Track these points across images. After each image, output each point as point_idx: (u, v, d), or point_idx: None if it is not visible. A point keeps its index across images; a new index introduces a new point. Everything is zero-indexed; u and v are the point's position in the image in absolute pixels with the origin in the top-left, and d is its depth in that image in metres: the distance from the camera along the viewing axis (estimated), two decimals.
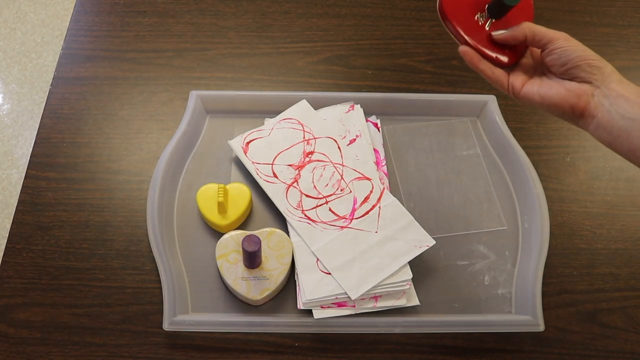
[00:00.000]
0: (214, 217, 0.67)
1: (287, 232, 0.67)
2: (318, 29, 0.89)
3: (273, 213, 0.70)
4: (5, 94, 1.70)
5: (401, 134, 0.78)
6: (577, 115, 0.53)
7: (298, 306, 0.63)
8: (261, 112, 0.77)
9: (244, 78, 0.83)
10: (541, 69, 0.57)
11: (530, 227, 0.70)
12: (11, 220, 0.70)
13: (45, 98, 0.80)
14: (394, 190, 0.73)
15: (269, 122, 0.75)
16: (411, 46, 0.88)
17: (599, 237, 0.72)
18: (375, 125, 0.77)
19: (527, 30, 0.55)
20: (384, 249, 0.65)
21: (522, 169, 0.72)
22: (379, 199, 0.69)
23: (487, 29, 0.56)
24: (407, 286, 0.64)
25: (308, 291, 0.62)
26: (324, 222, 0.67)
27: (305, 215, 0.68)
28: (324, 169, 0.71)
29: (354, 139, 0.74)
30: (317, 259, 0.65)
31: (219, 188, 0.67)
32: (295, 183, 0.70)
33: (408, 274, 0.64)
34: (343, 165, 0.71)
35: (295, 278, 0.65)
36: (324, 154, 0.72)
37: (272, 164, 0.71)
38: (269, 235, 0.65)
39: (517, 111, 0.81)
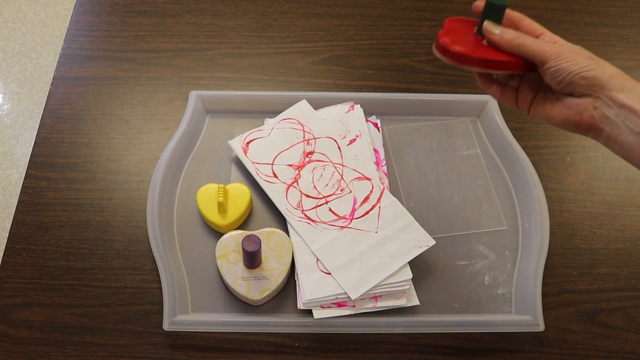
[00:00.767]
0: (214, 217, 0.67)
1: (287, 232, 0.67)
2: (318, 29, 0.89)
3: (273, 213, 0.70)
4: (5, 94, 1.70)
5: (401, 134, 0.78)
6: (584, 130, 0.50)
7: (298, 306, 0.63)
8: (261, 112, 0.77)
9: (244, 78, 0.83)
10: (545, 84, 0.54)
11: (530, 227, 0.70)
12: (11, 220, 0.70)
13: (45, 98, 0.80)
14: (394, 190, 0.73)
15: (269, 122, 0.75)
16: (411, 46, 0.88)
17: (599, 237, 0.72)
18: (375, 125, 0.77)
19: (515, 41, 0.51)
20: (384, 249, 0.65)
21: (522, 169, 0.72)
22: (379, 199, 0.69)
23: (486, 44, 0.54)
24: (407, 286, 0.64)
25: (308, 291, 0.62)
26: (324, 222, 0.67)
27: (305, 215, 0.68)
28: (324, 169, 0.71)
29: (354, 139, 0.74)
30: (317, 259, 0.65)
31: (219, 188, 0.67)
32: (295, 183, 0.70)
33: (408, 274, 0.64)
34: (343, 165, 0.71)
35: (295, 278, 0.65)
36: (324, 154, 0.72)
37: (272, 164, 0.72)
38: (269, 235, 0.65)
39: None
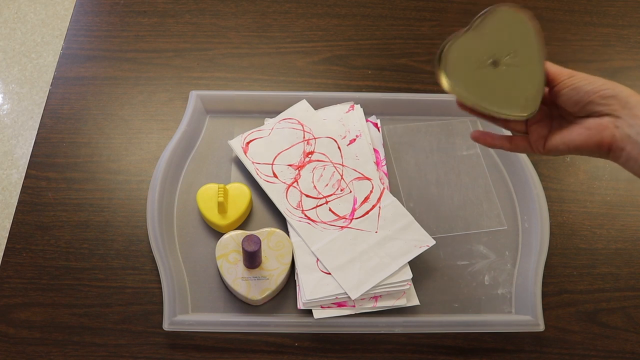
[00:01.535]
0: (214, 217, 0.67)
1: (287, 232, 0.67)
2: (318, 29, 0.89)
3: (273, 213, 0.70)
4: (5, 94, 1.70)
5: (401, 134, 0.78)
6: (605, 151, 0.49)
7: (298, 306, 0.63)
8: (261, 112, 0.77)
9: (244, 78, 0.83)
10: (557, 113, 0.53)
11: (530, 227, 0.70)
12: (11, 220, 0.70)
13: (45, 98, 0.80)
14: (394, 190, 0.73)
15: (269, 122, 0.75)
16: (411, 46, 0.88)
17: (599, 237, 0.72)
18: (375, 125, 0.77)
19: None
20: (384, 249, 0.65)
21: (522, 169, 0.72)
22: (379, 199, 0.69)
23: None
24: (407, 286, 0.64)
25: (308, 291, 0.62)
26: (324, 222, 0.67)
27: (305, 215, 0.68)
28: (324, 169, 0.71)
29: (354, 139, 0.74)
30: (317, 259, 0.65)
31: (219, 188, 0.67)
32: (295, 183, 0.70)
33: (408, 274, 0.64)
34: (343, 165, 0.71)
35: (295, 278, 0.65)
36: (324, 154, 0.72)
37: (272, 164, 0.71)
38: (269, 235, 0.65)
39: None
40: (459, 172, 0.75)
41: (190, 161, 0.74)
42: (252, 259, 0.61)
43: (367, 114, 0.77)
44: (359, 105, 0.77)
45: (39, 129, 0.77)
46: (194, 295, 0.65)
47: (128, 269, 0.67)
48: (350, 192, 0.70)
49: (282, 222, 0.69)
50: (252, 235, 0.60)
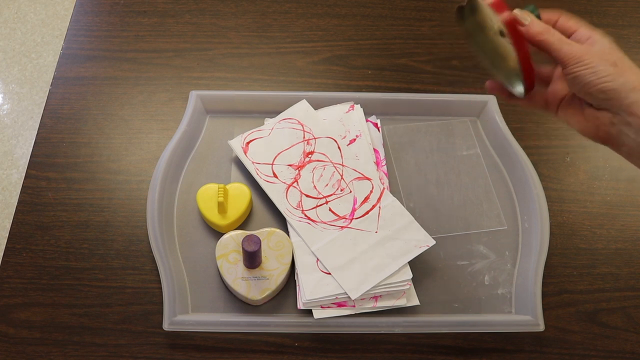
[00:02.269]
0: (214, 217, 0.67)
1: (287, 232, 0.67)
2: (318, 29, 0.89)
3: (273, 213, 0.70)
4: (5, 94, 1.70)
5: (401, 134, 0.78)
6: (602, 142, 0.47)
7: (298, 306, 0.63)
8: (261, 112, 0.77)
9: (244, 78, 0.83)
10: None
11: (530, 227, 0.70)
12: (11, 220, 0.70)
13: (45, 98, 0.80)
14: (394, 190, 0.73)
15: (269, 122, 0.75)
16: (411, 46, 0.88)
17: (599, 237, 0.72)
18: (375, 125, 0.77)
19: (540, 37, 0.47)
20: (384, 249, 0.65)
21: (522, 169, 0.72)
22: (379, 199, 0.69)
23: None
24: (407, 286, 0.64)
25: (308, 291, 0.62)
26: (324, 222, 0.67)
27: (305, 215, 0.68)
28: (324, 169, 0.71)
29: (354, 139, 0.74)
30: (317, 259, 0.65)
31: (219, 188, 0.67)
32: (295, 183, 0.70)
33: (408, 274, 0.64)
34: (343, 165, 0.71)
35: (295, 278, 0.65)
36: (324, 154, 0.72)
37: (272, 164, 0.71)
38: (269, 235, 0.65)
39: (517, 111, 0.81)
40: (459, 172, 0.75)
41: (190, 161, 0.74)
42: (252, 259, 0.61)
43: (367, 114, 0.77)
44: (359, 105, 0.77)
45: (39, 129, 0.77)
46: (194, 295, 0.65)
47: (128, 269, 0.67)
48: (350, 192, 0.70)
49: (282, 222, 0.69)
50: (252, 235, 0.60)
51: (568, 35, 0.48)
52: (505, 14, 0.47)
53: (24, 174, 0.75)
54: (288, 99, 0.76)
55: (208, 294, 0.65)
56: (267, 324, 0.63)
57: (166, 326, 0.61)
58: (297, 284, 0.64)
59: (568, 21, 0.49)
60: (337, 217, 0.68)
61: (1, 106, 1.67)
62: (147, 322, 0.64)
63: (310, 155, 0.72)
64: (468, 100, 0.79)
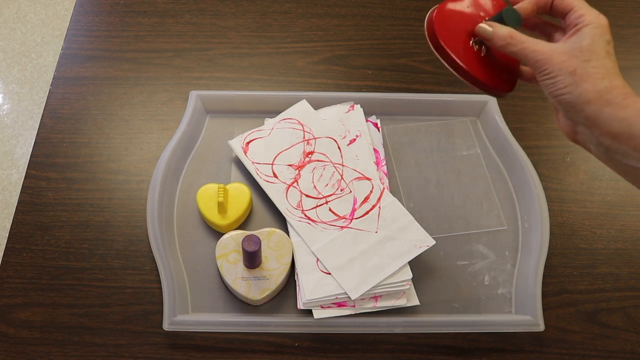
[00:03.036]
0: (214, 217, 0.67)
1: (287, 232, 0.67)
2: (318, 29, 0.89)
3: (273, 213, 0.70)
4: (5, 94, 1.70)
5: (401, 134, 0.78)
6: (580, 144, 0.47)
7: (298, 306, 0.63)
8: (261, 112, 0.77)
9: (244, 78, 0.83)
10: None
11: (530, 227, 0.70)
12: (11, 220, 0.70)
13: (45, 98, 0.80)
14: (394, 190, 0.73)
15: (269, 122, 0.75)
16: (411, 46, 0.88)
17: (599, 237, 0.72)
18: (375, 125, 0.77)
19: (504, 41, 0.46)
20: (384, 249, 0.65)
21: (522, 169, 0.72)
22: (379, 199, 0.69)
23: (483, 55, 0.50)
24: (407, 286, 0.64)
25: (308, 291, 0.62)
26: (324, 222, 0.67)
27: (305, 215, 0.68)
28: (324, 169, 0.71)
29: (354, 139, 0.74)
30: (317, 259, 0.65)
31: (219, 188, 0.67)
32: (295, 183, 0.70)
33: (408, 274, 0.64)
34: (343, 165, 0.71)
35: (295, 278, 0.65)
36: (324, 154, 0.72)
37: (272, 164, 0.72)
38: (269, 235, 0.65)
39: (517, 111, 0.81)
40: (459, 172, 0.75)
41: (190, 161, 0.74)
42: (252, 259, 0.61)
43: (367, 114, 0.77)
44: (359, 105, 0.77)
45: (39, 129, 0.77)
46: (194, 295, 0.65)
47: (128, 269, 0.67)
48: (350, 192, 0.70)
49: (282, 222, 0.69)
50: (252, 235, 0.60)
51: (563, 15, 0.47)
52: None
53: (24, 174, 0.75)
54: (288, 99, 0.76)
55: (208, 294, 0.65)
56: (267, 324, 0.63)
57: (166, 326, 0.61)
58: (297, 284, 0.64)
59: (563, 1, 0.47)
60: (337, 217, 0.68)
61: (1, 106, 1.67)
62: (147, 322, 0.64)
63: (310, 155, 0.72)
64: (468, 100, 0.79)
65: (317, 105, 0.76)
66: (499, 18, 0.49)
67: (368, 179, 0.70)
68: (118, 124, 0.78)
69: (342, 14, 0.91)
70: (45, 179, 0.73)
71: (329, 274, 0.64)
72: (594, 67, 0.42)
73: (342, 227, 0.67)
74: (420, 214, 0.71)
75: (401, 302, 0.63)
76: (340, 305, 0.63)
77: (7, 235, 0.69)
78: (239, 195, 0.69)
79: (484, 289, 0.67)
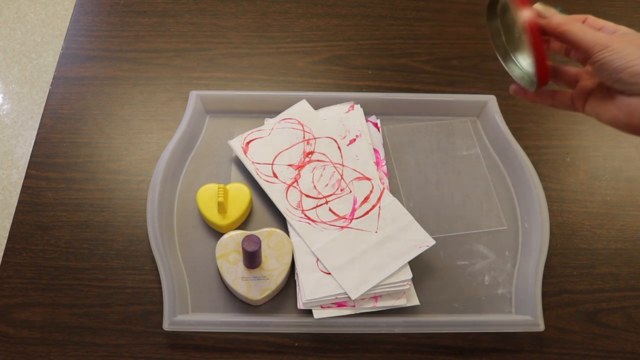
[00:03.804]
0: (214, 217, 0.67)
1: (287, 232, 0.67)
2: (318, 29, 0.89)
3: (273, 213, 0.70)
4: (5, 94, 1.70)
5: (401, 134, 0.78)
6: (637, 131, 0.45)
7: (298, 306, 0.63)
8: (261, 112, 0.77)
9: (244, 78, 0.83)
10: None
11: (530, 227, 0.70)
12: (11, 220, 0.70)
13: (45, 98, 0.80)
14: (394, 190, 0.73)
15: (269, 122, 0.75)
16: (411, 46, 0.88)
17: (599, 237, 0.72)
18: (375, 125, 0.77)
19: (561, 28, 0.46)
20: (384, 249, 0.65)
21: (522, 169, 0.72)
22: (379, 199, 0.69)
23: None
24: (407, 286, 0.64)
25: (308, 291, 0.62)
26: (324, 222, 0.67)
27: (305, 215, 0.68)
28: (324, 169, 0.71)
29: (354, 139, 0.74)
30: (317, 259, 0.65)
31: (219, 188, 0.67)
32: (295, 183, 0.70)
33: (408, 274, 0.64)
34: (343, 165, 0.71)
35: (295, 278, 0.65)
36: (324, 154, 0.72)
37: (272, 164, 0.72)
38: (269, 235, 0.65)
39: (517, 111, 0.81)
40: (459, 172, 0.75)
41: (190, 161, 0.74)
42: (252, 259, 0.61)
43: (367, 114, 0.77)
44: (359, 105, 0.77)
45: (39, 129, 0.77)
46: (194, 295, 0.65)
47: (128, 269, 0.67)
48: (350, 192, 0.70)
49: (282, 222, 0.69)
50: (252, 235, 0.60)
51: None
52: (526, 10, 0.47)
53: (24, 174, 0.75)
54: (288, 99, 0.76)
55: (208, 294, 0.65)
56: (267, 324, 0.63)
57: (166, 326, 0.61)
58: (297, 284, 0.64)
59: (595, 21, 0.48)
60: (337, 217, 0.68)
61: (1, 106, 1.67)
62: (147, 322, 0.64)
63: (310, 155, 0.72)
64: (468, 100, 0.79)
65: (317, 105, 0.76)
66: None
67: (368, 179, 0.70)
68: (118, 124, 0.78)
69: (342, 14, 0.91)
70: (45, 179, 0.73)
71: (329, 274, 0.64)
72: None
73: (342, 227, 0.67)
74: (420, 214, 0.71)
75: (401, 302, 0.63)
76: (340, 305, 0.63)
77: (7, 235, 0.69)
78: (239, 195, 0.69)
79: (484, 289, 0.67)
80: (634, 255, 0.71)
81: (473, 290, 0.67)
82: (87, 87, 0.81)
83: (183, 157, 0.74)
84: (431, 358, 0.64)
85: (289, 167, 0.71)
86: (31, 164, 0.74)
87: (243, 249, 0.60)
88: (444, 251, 0.69)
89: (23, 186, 0.72)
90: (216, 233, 0.68)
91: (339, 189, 0.70)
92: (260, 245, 0.60)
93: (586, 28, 0.46)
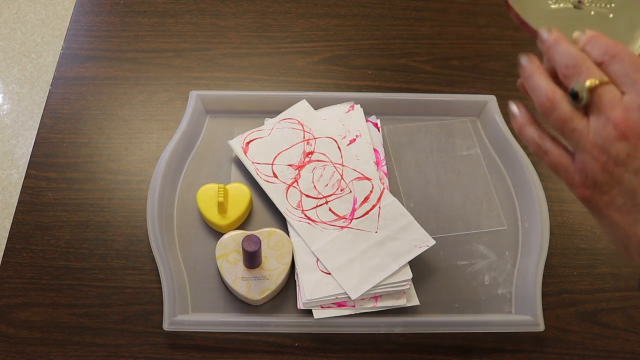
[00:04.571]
0: (214, 217, 0.67)
1: (287, 232, 0.67)
2: (318, 29, 0.89)
3: (273, 213, 0.70)
4: (5, 94, 1.70)
5: (401, 134, 0.78)
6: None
7: (298, 306, 0.63)
8: (261, 112, 0.77)
9: (244, 78, 0.83)
10: None
11: (530, 227, 0.70)
12: (11, 220, 0.70)
13: (45, 98, 0.80)
14: (394, 190, 0.73)
15: (269, 122, 0.75)
16: (411, 46, 0.88)
17: (599, 237, 0.72)
18: (375, 125, 0.77)
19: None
20: (384, 249, 0.65)
21: (522, 169, 0.72)
22: (379, 199, 0.69)
23: None
24: (407, 286, 0.64)
25: (308, 291, 0.62)
26: (324, 222, 0.67)
27: (305, 215, 0.68)
28: (324, 169, 0.71)
29: (354, 139, 0.74)
30: (317, 259, 0.65)
31: (219, 188, 0.67)
32: (295, 183, 0.70)
33: (408, 274, 0.64)
34: (343, 165, 0.71)
35: (295, 278, 0.65)
36: (324, 154, 0.72)
37: (272, 164, 0.72)
38: (269, 235, 0.65)
39: None
40: (459, 172, 0.75)
41: (190, 161, 0.74)
42: (252, 259, 0.61)
43: (367, 114, 0.77)
44: (359, 105, 0.77)
45: (39, 129, 0.77)
46: (194, 295, 0.65)
47: (128, 269, 0.67)
48: (350, 192, 0.70)
49: (282, 222, 0.69)
50: (252, 235, 0.60)
51: None
52: None
53: (24, 174, 0.75)
54: (288, 99, 0.76)
55: (208, 294, 0.65)
56: (267, 324, 0.63)
57: (166, 326, 0.61)
58: (297, 284, 0.64)
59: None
60: (337, 217, 0.68)
61: (1, 106, 1.67)
62: (147, 322, 0.64)
63: (310, 155, 0.72)
64: (468, 100, 0.79)
65: (317, 105, 0.76)
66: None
67: (368, 179, 0.70)
68: (118, 124, 0.78)
69: (342, 14, 0.91)
70: (45, 179, 0.73)
71: (329, 274, 0.64)
72: None
73: (342, 227, 0.67)
74: (420, 214, 0.71)
75: (401, 302, 0.63)
76: (340, 305, 0.63)
77: (7, 235, 0.68)
78: (239, 195, 0.69)
79: (484, 289, 0.67)
80: None
81: (473, 290, 0.67)
82: (87, 87, 0.81)
83: (183, 157, 0.74)
84: (431, 358, 0.64)
85: (289, 167, 0.71)
86: (31, 164, 0.74)
87: (243, 249, 0.60)
88: (444, 251, 0.69)
89: (23, 186, 0.72)
90: (216, 233, 0.68)
91: (339, 189, 0.70)
92: (260, 245, 0.60)
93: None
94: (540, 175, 0.72)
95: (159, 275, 0.64)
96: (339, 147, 0.73)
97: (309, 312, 0.63)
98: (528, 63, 0.41)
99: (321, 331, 0.63)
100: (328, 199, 0.69)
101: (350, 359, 0.63)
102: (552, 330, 0.66)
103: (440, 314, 0.65)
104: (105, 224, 0.70)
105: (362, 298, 0.63)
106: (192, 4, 0.90)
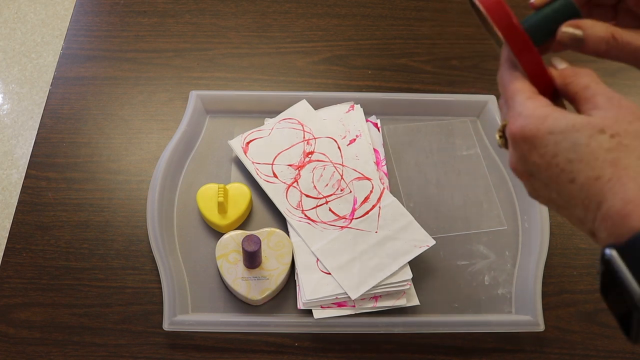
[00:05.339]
0: (214, 217, 0.67)
1: (287, 232, 0.67)
2: (318, 29, 0.89)
3: (273, 213, 0.70)
4: (5, 94, 1.70)
5: (401, 134, 0.78)
6: None
7: (298, 306, 0.63)
8: (261, 112, 0.77)
9: (244, 78, 0.83)
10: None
11: (530, 227, 0.70)
12: (11, 220, 0.70)
13: (45, 98, 0.80)
14: (394, 190, 0.73)
15: (269, 122, 0.75)
16: (411, 46, 0.88)
17: None
18: (375, 125, 0.77)
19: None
20: (384, 249, 0.65)
21: None
22: (379, 199, 0.69)
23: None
24: (407, 286, 0.64)
25: (308, 291, 0.62)
26: (324, 222, 0.67)
27: (305, 215, 0.68)
28: (324, 169, 0.71)
29: (354, 139, 0.74)
30: (317, 259, 0.65)
31: (219, 188, 0.67)
32: (295, 183, 0.70)
33: (408, 274, 0.64)
34: (343, 165, 0.71)
35: (295, 278, 0.65)
36: (324, 154, 0.72)
37: (272, 164, 0.72)
38: (269, 235, 0.65)
39: None
40: (459, 172, 0.75)
41: (190, 161, 0.74)
42: (252, 259, 0.61)
43: (367, 114, 0.77)
44: (359, 105, 0.77)
45: (39, 129, 0.77)
46: (194, 295, 0.65)
47: (128, 269, 0.67)
48: (350, 192, 0.70)
49: (282, 222, 0.69)
50: (252, 235, 0.60)
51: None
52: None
53: (24, 174, 0.75)
54: (288, 99, 0.76)
55: (208, 294, 0.65)
56: (267, 324, 0.63)
57: (166, 326, 0.61)
58: (297, 284, 0.64)
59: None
60: (337, 217, 0.68)
61: (1, 106, 1.67)
62: (147, 322, 0.64)
63: (310, 155, 0.72)
64: (468, 100, 0.79)
65: (317, 105, 0.76)
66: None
67: (368, 179, 0.70)
68: (118, 124, 0.78)
69: (342, 14, 0.91)
70: (45, 179, 0.73)
71: (329, 274, 0.64)
72: None
73: (342, 227, 0.67)
74: (420, 214, 0.71)
75: (401, 302, 0.63)
76: (340, 305, 0.63)
77: (7, 235, 0.69)
78: (239, 195, 0.69)
79: (484, 289, 0.67)
80: None
81: (473, 290, 0.67)
82: (87, 87, 0.81)
83: (183, 157, 0.74)
84: (431, 358, 0.63)
85: (289, 167, 0.71)
86: (31, 164, 0.74)
87: (243, 249, 0.60)
88: (444, 251, 0.69)
89: (23, 186, 0.72)
90: (216, 233, 0.68)
91: (339, 189, 0.70)
92: (260, 245, 0.60)
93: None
94: None
95: (159, 275, 0.64)
96: (339, 147, 0.73)
97: (309, 312, 0.63)
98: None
99: (321, 331, 0.63)
100: (328, 199, 0.69)
101: (350, 359, 0.63)
102: (552, 330, 0.66)
103: (440, 314, 0.65)
104: (105, 224, 0.70)
105: (362, 298, 0.63)
106: (192, 4, 0.90)
